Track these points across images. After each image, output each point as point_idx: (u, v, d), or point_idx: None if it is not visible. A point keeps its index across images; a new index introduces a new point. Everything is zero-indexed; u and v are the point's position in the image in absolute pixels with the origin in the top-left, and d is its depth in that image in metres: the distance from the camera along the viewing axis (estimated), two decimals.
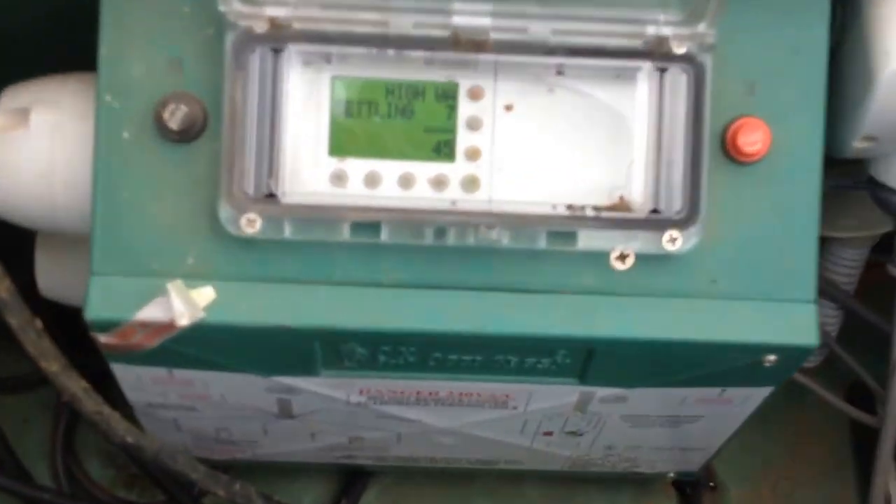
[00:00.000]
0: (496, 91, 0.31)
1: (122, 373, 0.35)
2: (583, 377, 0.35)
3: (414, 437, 0.41)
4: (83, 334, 0.31)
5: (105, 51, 0.30)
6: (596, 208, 0.31)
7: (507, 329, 0.32)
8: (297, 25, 0.29)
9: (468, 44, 0.29)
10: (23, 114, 0.32)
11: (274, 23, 0.29)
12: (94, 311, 0.31)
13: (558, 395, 0.36)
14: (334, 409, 0.37)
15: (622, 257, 0.31)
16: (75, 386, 0.34)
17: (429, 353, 0.34)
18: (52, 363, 0.34)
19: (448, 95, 0.31)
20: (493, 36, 0.29)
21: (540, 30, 0.29)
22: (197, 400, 0.37)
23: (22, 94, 0.33)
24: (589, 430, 0.40)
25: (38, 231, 0.37)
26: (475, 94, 0.31)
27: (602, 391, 0.36)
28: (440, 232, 0.30)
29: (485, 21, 0.29)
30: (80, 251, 0.31)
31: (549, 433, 0.40)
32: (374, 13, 0.29)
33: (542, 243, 0.31)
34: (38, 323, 0.34)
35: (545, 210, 0.31)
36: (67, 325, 0.35)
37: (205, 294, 0.31)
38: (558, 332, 0.32)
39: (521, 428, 0.40)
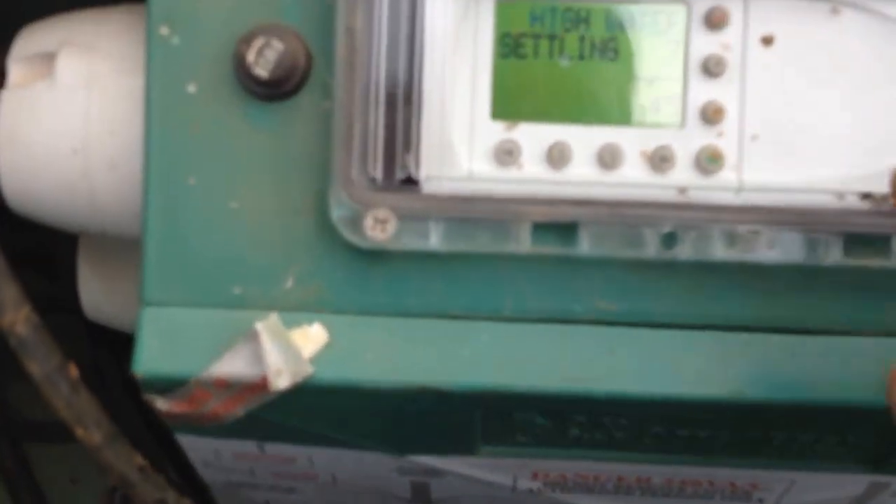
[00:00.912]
0: (748, 14, 0.23)
1: (193, 446, 0.27)
2: (880, 463, 0.27)
3: None
4: None
5: None
6: None
7: (776, 394, 0.23)
8: None
9: None
10: (46, 61, 0.25)
11: None
12: (148, 362, 0.23)
13: (833, 486, 0.28)
14: (491, 496, 0.30)
15: None
16: (125, 465, 0.24)
17: (646, 427, 0.25)
18: (93, 431, 0.24)
19: (672, 23, 0.23)
20: None
21: None
22: (298, 480, 0.30)
23: (45, 34, 0.26)
24: None
25: (78, 233, 0.30)
26: (715, 20, 0.23)
27: None
28: (668, 239, 0.23)
29: None
30: (137, 259, 0.24)
31: None
32: None
33: (832, 255, 0.23)
34: (73, 371, 0.24)
35: (830, 202, 0.23)
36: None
37: (313, 336, 0.23)
38: (856, 398, 0.23)
39: None
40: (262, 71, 0.22)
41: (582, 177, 0.23)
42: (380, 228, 0.22)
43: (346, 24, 0.22)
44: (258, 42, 0.21)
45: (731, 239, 0.22)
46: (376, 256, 0.23)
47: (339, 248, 0.23)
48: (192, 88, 0.23)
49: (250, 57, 0.22)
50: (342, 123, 0.22)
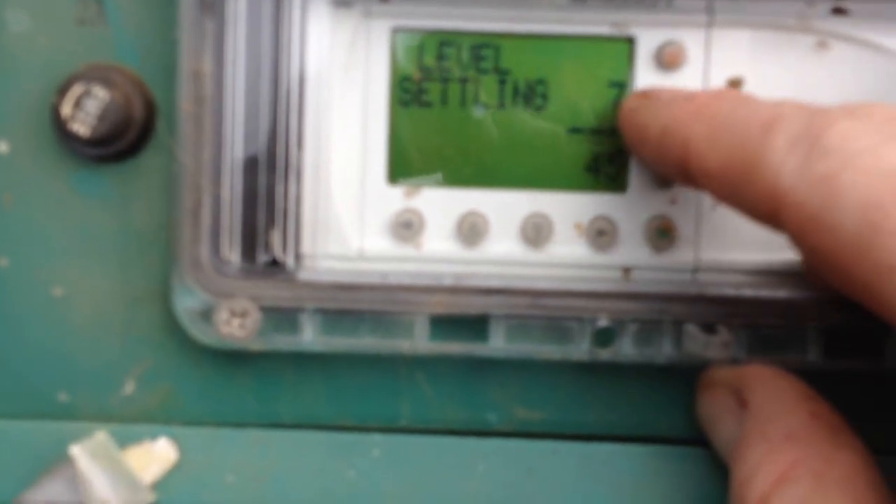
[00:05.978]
0: (710, 51, 0.19)
1: None
2: None
3: None
4: None
5: None
6: None
7: None
8: None
9: None
10: None
11: None
12: None
13: None
14: None
15: None
16: None
17: None
18: None
19: (615, 61, 0.19)
20: None
21: None
22: None
23: None
24: None
25: None
26: (669, 59, 0.19)
27: None
28: (604, 336, 0.19)
29: None
30: None
31: None
32: None
33: (810, 355, 0.18)
34: None
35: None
36: None
37: (158, 454, 0.18)
38: None
39: None
40: (80, 127, 0.17)
41: (500, 256, 0.19)
42: (237, 324, 0.17)
43: (191, 67, 0.17)
44: (76, 90, 0.17)
45: (685, 336, 0.18)
46: (237, 356, 0.18)
47: (192, 346, 0.18)
48: (2, 147, 0.18)
49: (65, 110, 0.17)
50: (188, 193, 0.17)
